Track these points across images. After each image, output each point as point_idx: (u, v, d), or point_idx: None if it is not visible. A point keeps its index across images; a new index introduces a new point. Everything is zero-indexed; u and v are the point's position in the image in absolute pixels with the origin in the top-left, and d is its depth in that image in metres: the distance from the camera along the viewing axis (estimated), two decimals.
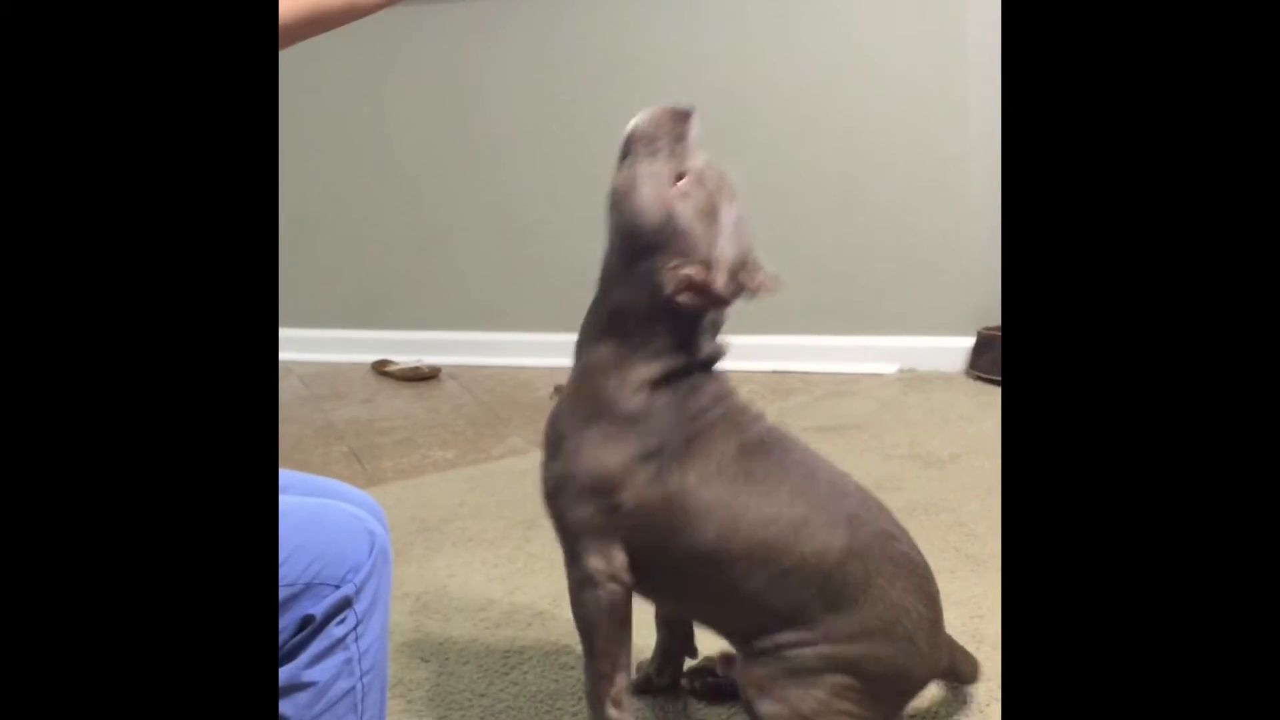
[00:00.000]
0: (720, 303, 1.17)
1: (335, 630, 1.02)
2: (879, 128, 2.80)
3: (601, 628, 1.22)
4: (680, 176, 1.17)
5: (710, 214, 1.17)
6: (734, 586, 1.20)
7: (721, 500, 1.18)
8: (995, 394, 2.64)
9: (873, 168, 2.83)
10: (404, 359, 3.27)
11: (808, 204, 2.91)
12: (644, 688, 1.43)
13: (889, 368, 2.89)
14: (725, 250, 1.17)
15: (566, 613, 1.68)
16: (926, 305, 2.87)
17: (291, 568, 0.98)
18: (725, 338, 1.26)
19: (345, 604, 1.02)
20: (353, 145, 3.29)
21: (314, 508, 1.05)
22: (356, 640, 1.04)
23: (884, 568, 1.18)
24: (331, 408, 2.95)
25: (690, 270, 1.15)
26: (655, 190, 1.17)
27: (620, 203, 1.19)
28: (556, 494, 1.23)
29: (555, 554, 1.93)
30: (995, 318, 2.79)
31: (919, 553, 1.24)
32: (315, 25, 1.15)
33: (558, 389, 2.94)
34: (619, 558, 1.20)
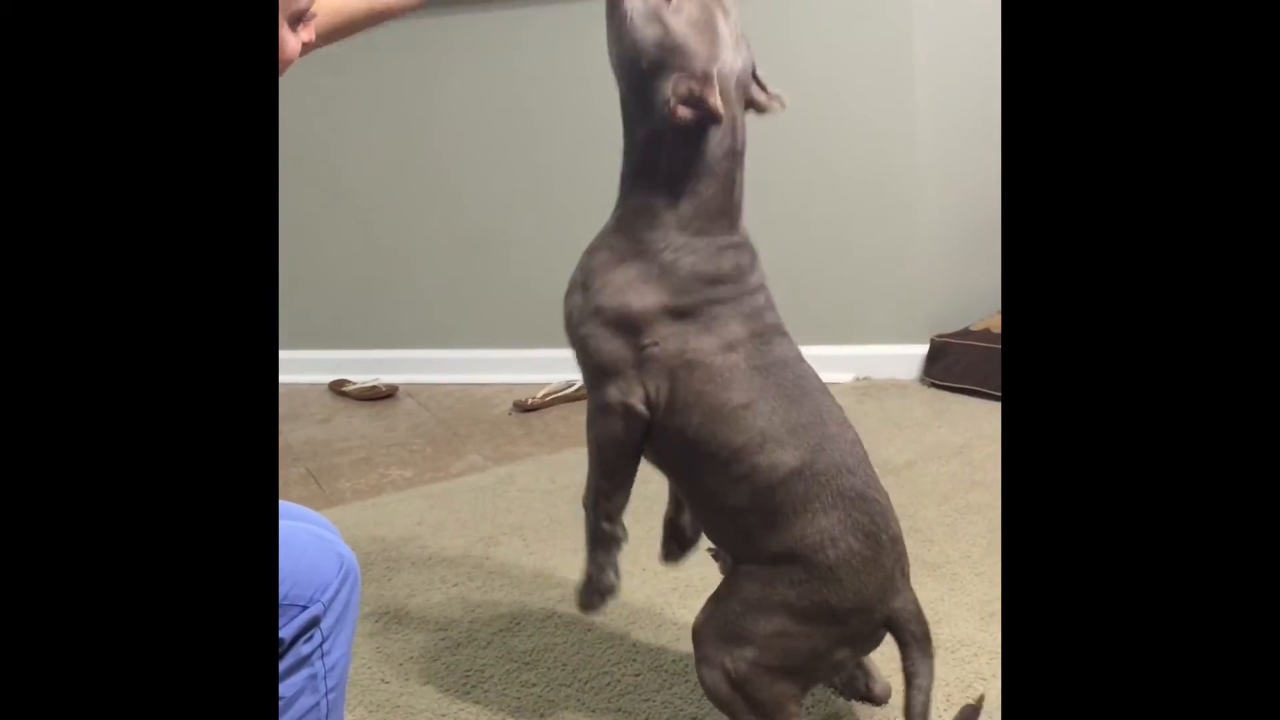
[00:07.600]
0: (716, 116, 1.17)
1: (302, 648, 1.03)
2: (831, 139, 2.83)
3: (609, 452, 1.25)
4: None
5: (706, 25, 1.18)
6: (700, 482, 1.25)
7: (711, 393, 1.20)
8: (950, 400, 2.67)
9: (825, 178, 2.85)
10: (361, 378, 3.25)
11: (761, 215, 2.92)
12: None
13: (845, 376, 2.92)
14: (726, 61, 1.19)
15: (527, 631, 1.69)
16: (881, 314, 2.89)
17: None
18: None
19: (313, 623, 1.03)
20: (306, 163, 3.27)
21: (280, 530, 1.05)
22: (322, 657, 1.04)
23: (824, 495, 1.19)
24: (288, 429, 2.92)
25: (690, 84, 1.16)
26: (645, 8, 1.17)
27: (617, 30, 1.19)
28: (580, 324, 1.24)
29: (515, 572, 1.95)
30: (948, 325, 2.83)
31: (879, 493, 1.23)
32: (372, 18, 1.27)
33: (517, 405, 2.95)
34: (637, 391, 1.21)
